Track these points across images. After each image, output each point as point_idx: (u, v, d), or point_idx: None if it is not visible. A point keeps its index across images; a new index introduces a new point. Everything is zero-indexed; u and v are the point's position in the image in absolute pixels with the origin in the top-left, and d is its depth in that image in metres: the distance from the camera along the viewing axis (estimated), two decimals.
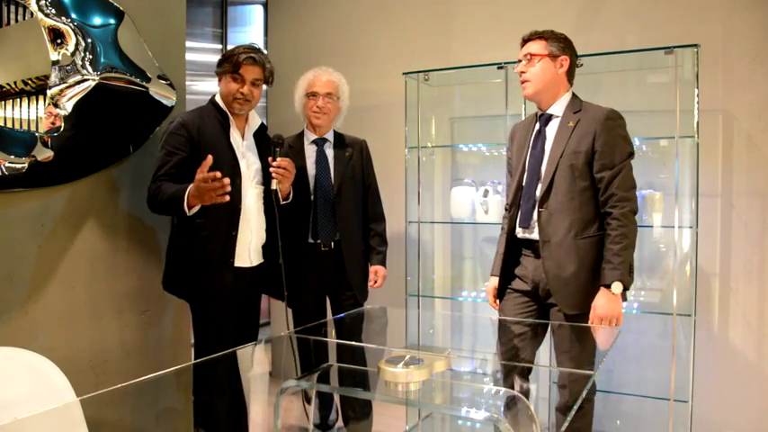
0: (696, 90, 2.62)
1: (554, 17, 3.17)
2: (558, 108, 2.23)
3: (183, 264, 2.25)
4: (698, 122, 2.63)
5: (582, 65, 2.76)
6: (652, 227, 2.83)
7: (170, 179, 2.16)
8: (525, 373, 2.21)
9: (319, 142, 2.71)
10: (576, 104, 2.22)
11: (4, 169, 1.96)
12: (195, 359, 2.31)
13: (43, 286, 2.14)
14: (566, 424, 1.48)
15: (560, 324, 2.16)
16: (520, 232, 2.27)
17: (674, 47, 2.59)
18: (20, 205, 2.06)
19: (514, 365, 2.18)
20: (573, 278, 2.12)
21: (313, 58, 3.11)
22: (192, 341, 2.37)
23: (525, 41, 2.25)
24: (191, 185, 2.05)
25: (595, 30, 3.10)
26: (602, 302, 2.08)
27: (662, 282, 2.95)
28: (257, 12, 4.50)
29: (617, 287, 2.06)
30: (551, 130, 2.23)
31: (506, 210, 2.42)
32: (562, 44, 2.20)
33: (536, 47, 2.20)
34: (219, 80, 2.33)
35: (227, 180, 1.97)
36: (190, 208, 2.07)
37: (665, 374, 2.74)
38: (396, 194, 3.28)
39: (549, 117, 2.25)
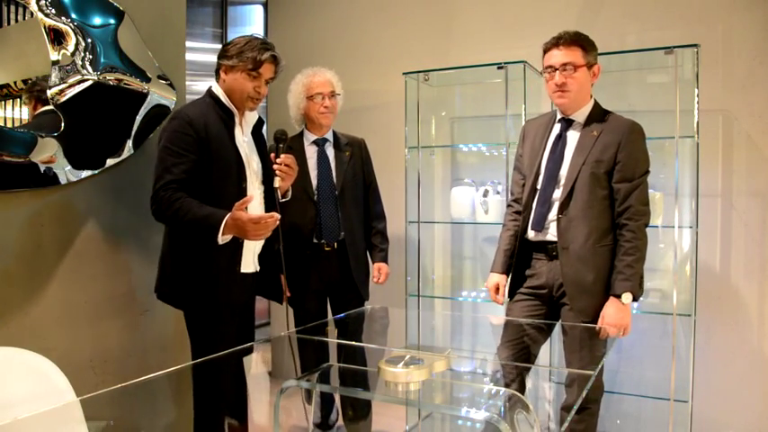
0: (696, 90, 2.62)
1: (554, 17, 3.17)
2: (581, 114, 2.22)
3: (185, 273, 2.08)
4: (698, 122, 2.63)
5: None
6: (652, 227, 2.83)
7: (181, 187, 1.99)
8: (525, 373, 2.21)
9: (320, 142, 2.71)
10: (599, 112, 2.22)
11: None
12: (193, 367, 2.22)
13: (43, 286, 2.14)
14: (566, 424, 1.48)
15: (573, 325, 2.18)
16: (531, 235, 2.26)
17: (674, 47, 2.59)
18: (20, 205, 2.06)
19: (514, 365, 2.19)
20: (591, 286, 2.15)
21: (313, 58, 3.11)
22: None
23: (558, 45, 2.17)
24: (227, 216, 1.93)
25: (595, 30, 3.08)
26: (611, 312, 2.11)
27: (662, 282, 2.95)
28: (257, 12, 4.50)
29: (627, 297, 2.10)
30: (573, 135, 2.22)
31: (509, 206, 2.41)
32: (595, 52, 2.20)
33: (575, 56, 2.15)
34: (225, 73, 2.12)
35: (277, 215, 1.96)
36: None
37: (665, 374, 2.74)
38: (396, 194, 3.28)
39: (571, 122, 2.24)
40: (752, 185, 2.83)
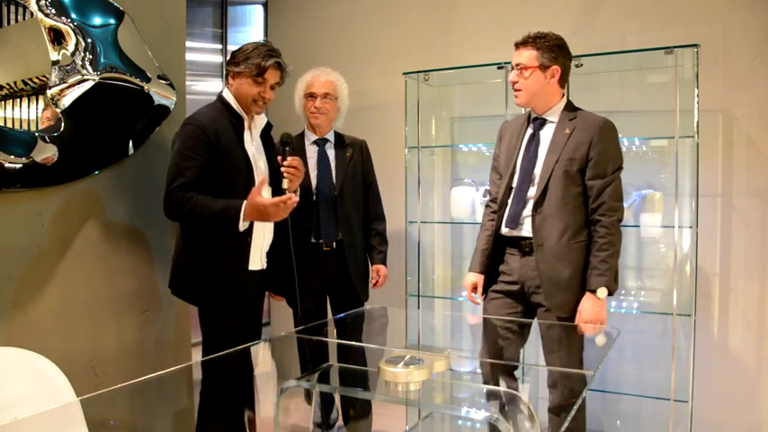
0: (696, 90, 2.62)
1: (554, 17, 3.17)
2: (553, 113, 2.26)
3: (197, 271, 2.17)
4: (698, 122, 2.63)
5: (582, 65, 2.76)
6: (652, 227, 2.83)
7: (192, 188, 2.08)
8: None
9: (320, 142, 2.72)
10: (571, 111, 2.25)
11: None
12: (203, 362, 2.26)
13: (43, 286, 2.14)
14: (566, 424, 1.48)
15: (550, 325, 2.20)
16: (506, 231, 2.29)
17: (674, 47, 2.59)
18: (20, 205, 2.06)
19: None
20: (567, 282, 2.17)
21: (313, 58, 3.10)
22: (196, 340, 2.35)
23: (517, 47, 2.25)
24: (244, 204, 2.04)
25: (595, 30, 3.10)
26: (587, 307, 2.14)
27: (662, 282, 2.95)
28: (257, 12, 4.50)
29: (602, 292, 2.12)
30: (546, 134, 2.26)
31: (487, 206, 2.44)
32: (554, 53, 2.19)
33: (527, 57, 2.20)
34: (233, 78, 2.22)
35: (295, 198, 2.08)
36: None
37: (665, 374, 2.74)
38: (396, 194, 3.28)
39: (544, 121, 2.27)
40: (752, 185, 2.83)
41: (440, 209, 3.48)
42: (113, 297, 2.37)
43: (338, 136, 2.77)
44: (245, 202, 2.05)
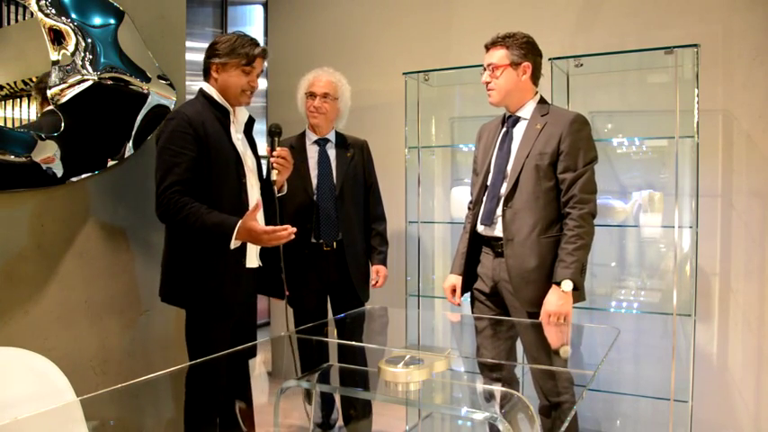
0: (696, 90, 2.62)
1: (554, 17, 3.17)
2: (525, 111, 2.28)
3: (191, 273, 2.09)
4: (698, 122, 2.63)
5: (582, 65, 2.76)
6: (652, 227, 2.83)
7: (185, 187, 2.02)
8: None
9: (321, 142, 2.72)
10: (543, 108, 2.27)
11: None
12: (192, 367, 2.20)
13: (43, 286, 2.14)
14: (566, 424, 1.48)
15: (524, 324, 2.21)
16: (481, 229, 2.30)
17: (674, 47, 2.59)
18: (20, 205, 2.06)
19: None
20: (533, 275, 2.17)
21: (313, 58, 3.10)
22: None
23: (488, 48, 2.28)
24: (239, 224, 1.98)
25: (595, 30, 3.10)
26: (552, 299, 2.13)
27: (662, 282, 2.95)
28: (257, 12, 4.51)
29: (567, 285, 2.10)
30: (519, 131, 2.27)
31: (468, 208, 2.45)
32: (524, 50, 2.22)
33: (497, 57, 2.24)
34: (217, 71, 2.15)
35: (292, 229, 2.02)
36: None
37: (665, 374, 2.74)
38: (396, 194, 3.28)
39: (517, 119, 2.29)
40: (752, 185, 2.83)
41: (440, 209, 3.48)
42: (113, 297, 2.37)
43: (339, 136, 2.77)
44: (239, 222, 1.99)
